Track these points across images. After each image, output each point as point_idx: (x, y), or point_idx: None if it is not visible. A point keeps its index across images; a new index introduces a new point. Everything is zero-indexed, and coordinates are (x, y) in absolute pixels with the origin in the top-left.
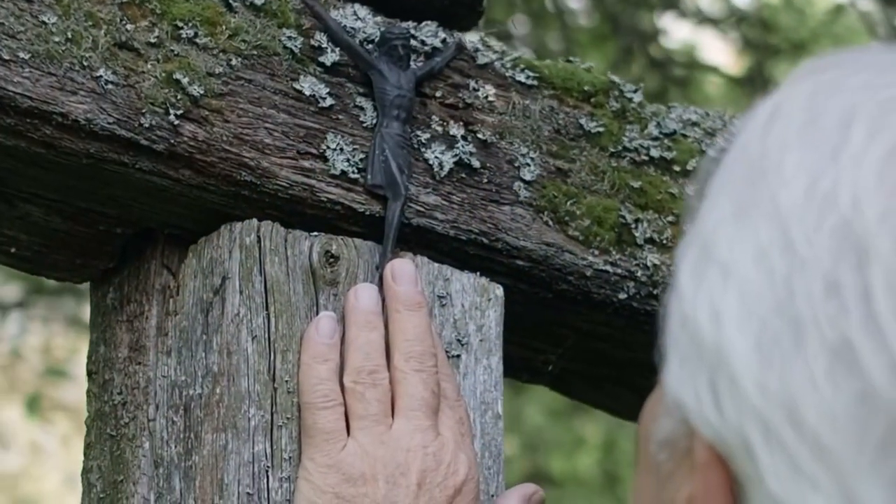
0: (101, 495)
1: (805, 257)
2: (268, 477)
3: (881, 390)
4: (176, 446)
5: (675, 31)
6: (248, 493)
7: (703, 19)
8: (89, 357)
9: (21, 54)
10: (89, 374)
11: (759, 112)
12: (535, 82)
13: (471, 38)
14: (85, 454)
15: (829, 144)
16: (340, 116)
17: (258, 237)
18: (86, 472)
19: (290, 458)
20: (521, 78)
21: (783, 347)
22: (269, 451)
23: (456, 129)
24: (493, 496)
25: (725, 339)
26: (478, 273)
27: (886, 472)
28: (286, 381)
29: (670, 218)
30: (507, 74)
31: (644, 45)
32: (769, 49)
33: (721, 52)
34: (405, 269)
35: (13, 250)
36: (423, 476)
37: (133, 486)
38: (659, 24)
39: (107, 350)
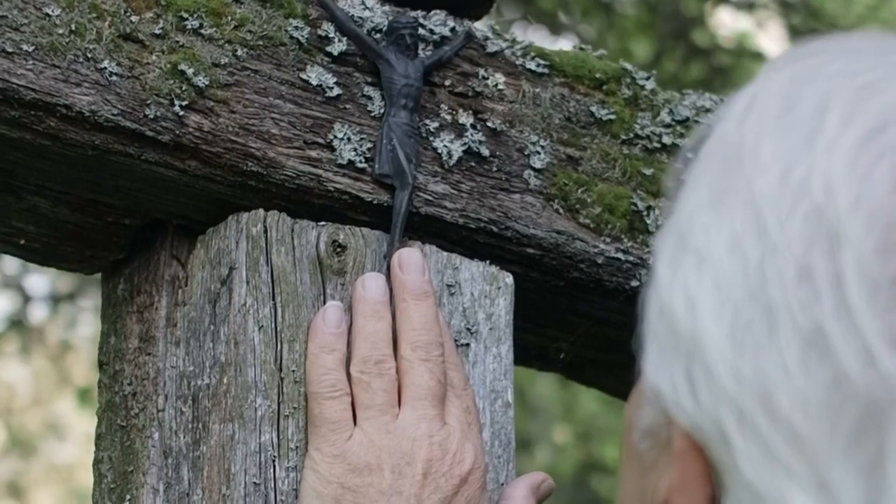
0: (112, 486)
1: (778, 244)
2: (274, 466)
3: (853, 376)
4: (184, 436)
5: (722, 19)
6: (254, 483)
7: (749, 6)
8: (101, 348)
9: (24, 47)
10: (101, 364)
11: (738, 101)
12: (546, 70)
13: (481, 27)
14: (96, 445)
15: (804, 131)
16: (348, 106)
17: (265, 227)
18: (97, 462)
19: (296, 447)
20: (532, 66)
21: (756, 334)
22: (275, 440)
23: (465, 118)
24: (503, 484)
25: (700, 327)
26: (487, 262)
27: (859, 458)
28: (293, 371)
29: None
30: (517, 63)
31: (687, 34)
32: (816, 36)
33: (768, 40)
34: (412, 258)
35: (22, 242)
36: (429, 465)
37: (143, 476)
38: (705, 12)
39: (117, 341)
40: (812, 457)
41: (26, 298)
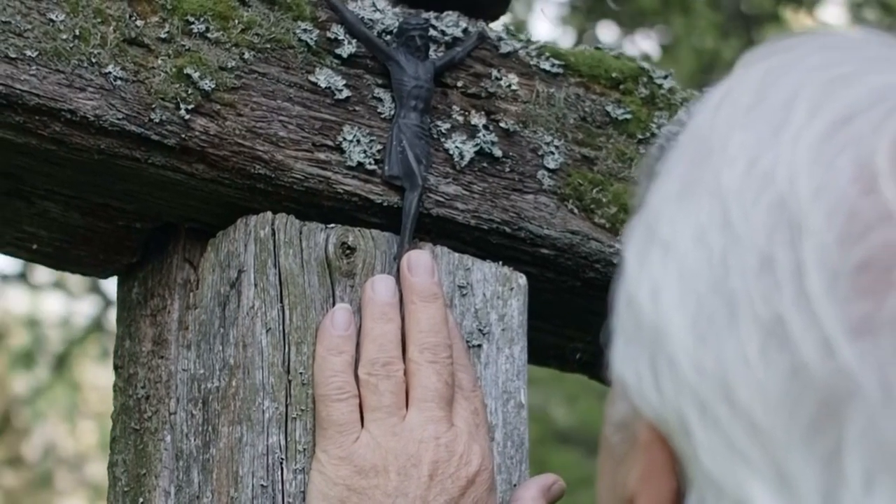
0: (126, 489)
1: (741, 234)
2: (282, 469)
3: (812, 367)
4: (195, 439)
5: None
6: (262, 486)
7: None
8: (115, 352)
9: (28, 52)
10: (116, 368)
11: (714, 94)
12: (561, 70)
13: (495, 28)
14: (111, 448)
15: (772, 123)
16: (358, 108)
17: (272, 230)
18: (111, 465)
19: (304, 449)
20: (546, 66)
21: (718, 325)
22: (283, 443)
23: (477, 119)
24: (515, 485)
25: (664, 318)
26: (500, 262)
27: (818, 449)
28: (300, 373)
29: None
30: (531, 63)
31: (749, 29)
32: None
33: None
34: (421, 260)
35: (35, 246)
36: (435, 467)
37: (155, 479)
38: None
39: (132, 344)
40: (771, 448)
41: (107, 303)
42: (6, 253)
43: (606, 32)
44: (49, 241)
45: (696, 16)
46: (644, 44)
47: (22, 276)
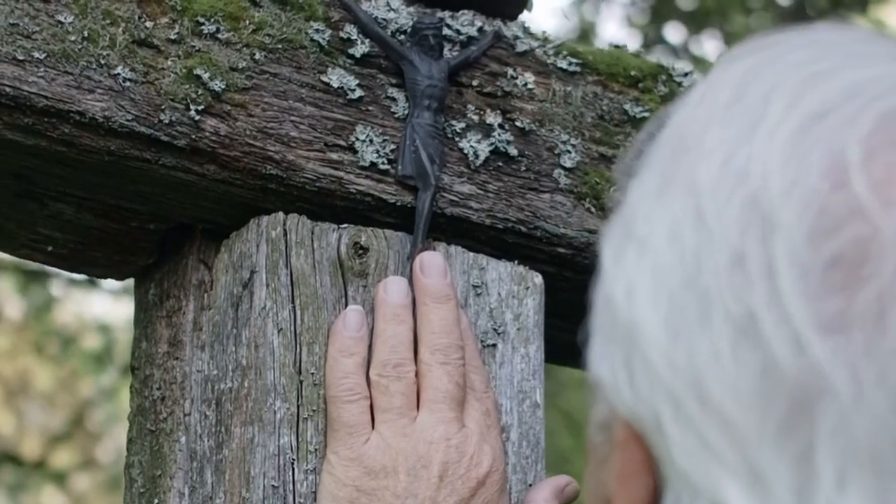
0: (142, 490)
1: (714, 231)
2: (293, 469)
3: (783, 364)
4: (208, 440)
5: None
6: (273, 486)
7: None
8: (133, 353)
9: (36, 54)
10: (132, 369)
11: (694, 90)
12: (578, 69)
13: (512, 27)
14: (127, 449)
15: (748, 120)
16: (371, 108)
17: (284, 230)
18: (128, 467)
19: (315, 450)
20: (563, 65)
21: (690, 322)
22: (294, 443)
23: (493, 118)
24: (531, 485)
25: (638, 315)
26: (515, 262)
27: (791, 447)
28: (312, 374)
29: None
30: (548, 62)
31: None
32: None
33: None
34: (434, 262)
35: (50, 249)
36: (445, 468)
37: (170, 480)
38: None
39: (148, 346)
40: (744, 446)
41: None
42: (22, 255)
43: (673, 33)
44: (64, 242)
45: (757, 16)
46: (710, 45)
47: (91, 282)
